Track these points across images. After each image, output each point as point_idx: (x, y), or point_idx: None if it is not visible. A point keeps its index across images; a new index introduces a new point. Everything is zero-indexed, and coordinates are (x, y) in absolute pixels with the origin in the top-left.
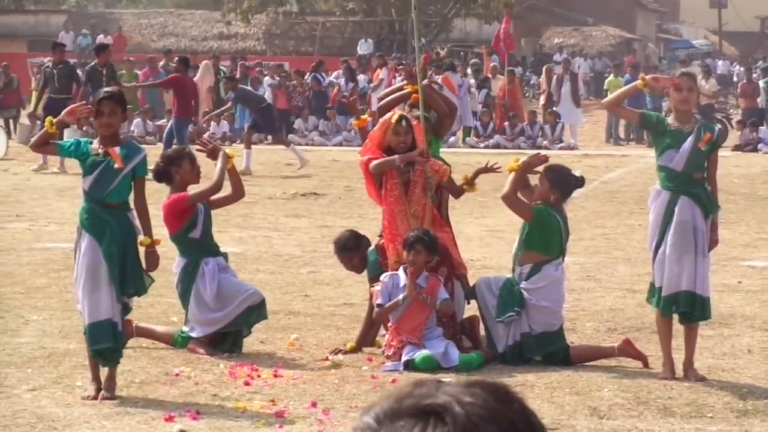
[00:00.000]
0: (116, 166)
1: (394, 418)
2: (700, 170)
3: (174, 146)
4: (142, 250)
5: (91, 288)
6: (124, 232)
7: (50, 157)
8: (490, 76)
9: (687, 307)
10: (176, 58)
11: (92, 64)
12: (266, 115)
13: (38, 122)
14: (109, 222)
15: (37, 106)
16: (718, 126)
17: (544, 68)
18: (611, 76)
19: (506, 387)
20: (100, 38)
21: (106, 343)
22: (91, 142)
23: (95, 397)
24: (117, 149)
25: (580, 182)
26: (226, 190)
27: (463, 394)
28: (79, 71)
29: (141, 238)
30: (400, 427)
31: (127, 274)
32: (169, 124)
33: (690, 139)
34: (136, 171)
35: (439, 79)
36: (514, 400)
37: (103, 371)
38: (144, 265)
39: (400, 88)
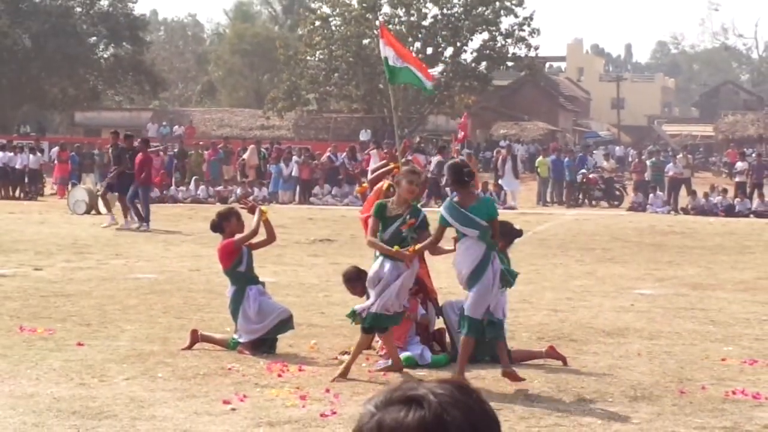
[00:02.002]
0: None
1: (388, 405)
2: None
3: (225, 207)
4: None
5: None
6: None
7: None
8: (455, 155)
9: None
10: (138, 141)
11: (122, 146)
12: (122, 179)
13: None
14: None
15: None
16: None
17: (495, 151)
18: (540, 157)
19: (467, 384)
20: (176, 128)
21: None
22: None
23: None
24: None
25: (519, 233)
26: (263, 236)
27: (436, 388)
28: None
29: None
30: (392, 410)
31: None
32: (135, 189)
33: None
34: None
35: (410, 158)
36: (472, 392)
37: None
38: None
39: (386, 165)
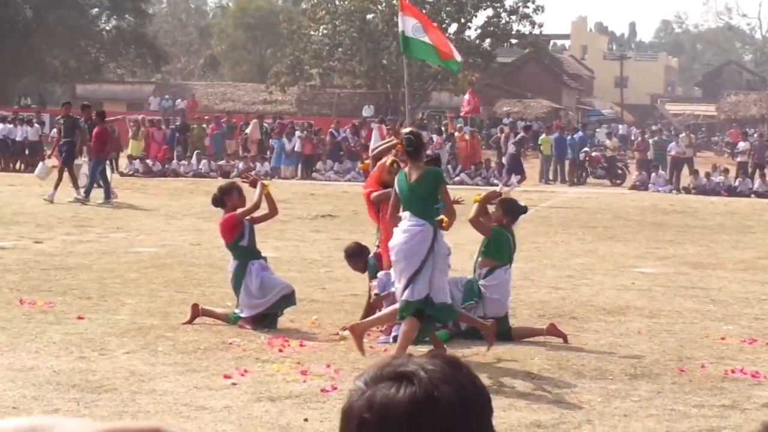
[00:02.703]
0: None
1: (378, 381)
2: None
3: (226, 181)
4: None
5: None
6: None
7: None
8: (454, 132)
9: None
10: (95, 113)
11: (74, 117)
12: (69, 150)
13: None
14: None
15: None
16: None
17: (498, 129)
18: (544, 135)
19: (457, 359)
20: (179, 102)
21: None
22: None
23: None
24: None
25: (524, 210)
26: (264, 210)
27: (426, 363)
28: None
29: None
30: (382, 387)
31: None
32: (91, 163)
33: None
34: None
35: None
36: (462, 367)
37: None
38: None
39: (390, 141)
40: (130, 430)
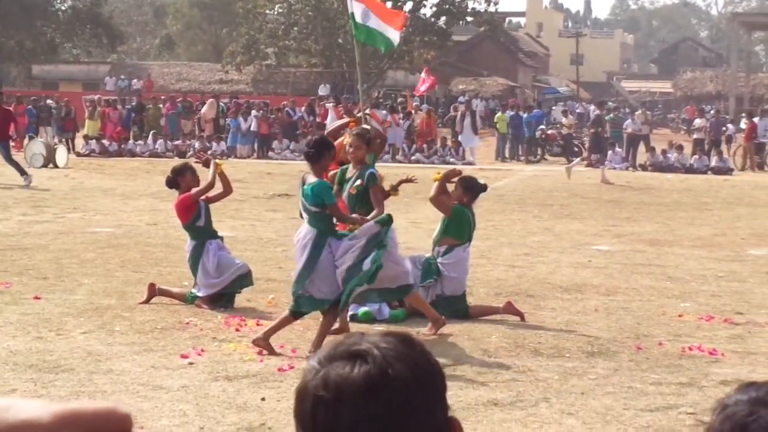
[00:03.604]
0: None
1: (332, 360)
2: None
3: (179, 162)
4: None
5: None
6: None
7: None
8: (412, 111)
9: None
10: None
11: None
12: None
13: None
14: None
15: None
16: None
17: (452, 107)
18: (500, 113)
19: (411, 336)
20: (134, 82)
21: None
22: None
23: None
24: None
25: (484, 188)
26: (219, 189)
27: (380, 342)
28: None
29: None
30: (336, 366)
31: None
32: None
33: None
34: None
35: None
36: (416, 344)
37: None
38: None
39: (343, 120)
40: (86, 411)
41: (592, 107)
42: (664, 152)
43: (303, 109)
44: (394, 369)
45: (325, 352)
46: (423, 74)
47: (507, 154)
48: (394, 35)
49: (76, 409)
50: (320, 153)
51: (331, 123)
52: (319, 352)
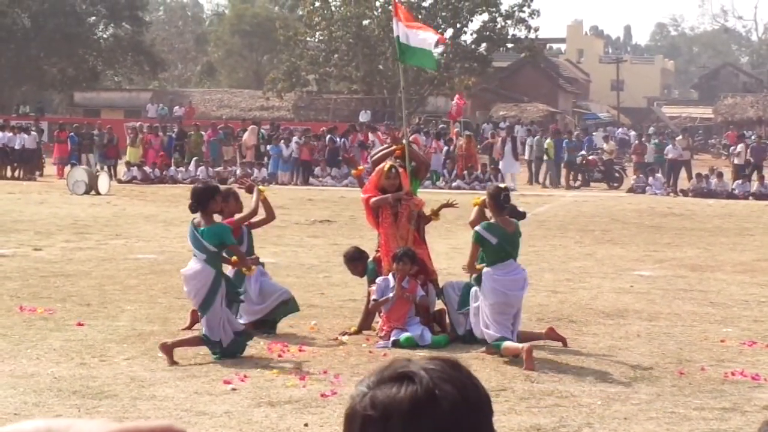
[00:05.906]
0: None
1: (380, 384)
2: None
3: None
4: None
5: None
6: None
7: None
8: (453, 137)
9: None
10: None
11: None
12: None
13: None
14: None
15: None
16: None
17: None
18: (548, 140)
19: (457, 360)
20: (176, 109)
21: None
22: None
23: None
24: None
25: (523, 216)
26: (261, 215)
27: (427, 364)
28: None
29: None
30: (384, 388)
31: None
32: None
33: None
34: None
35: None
36: (463, 368)
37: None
38: None
39: (389, 147)
40: (143, 430)
41: (633, 133)
42: (704, 177)
43: (347, 137)
44: (442, 390)
45: (373, 376)
46: (456, 99)
47: (541, 180)
48: (433, 39)
49: (132, 429)
50: (200, 203)
51: (376, 149)
52: (366, 377)
